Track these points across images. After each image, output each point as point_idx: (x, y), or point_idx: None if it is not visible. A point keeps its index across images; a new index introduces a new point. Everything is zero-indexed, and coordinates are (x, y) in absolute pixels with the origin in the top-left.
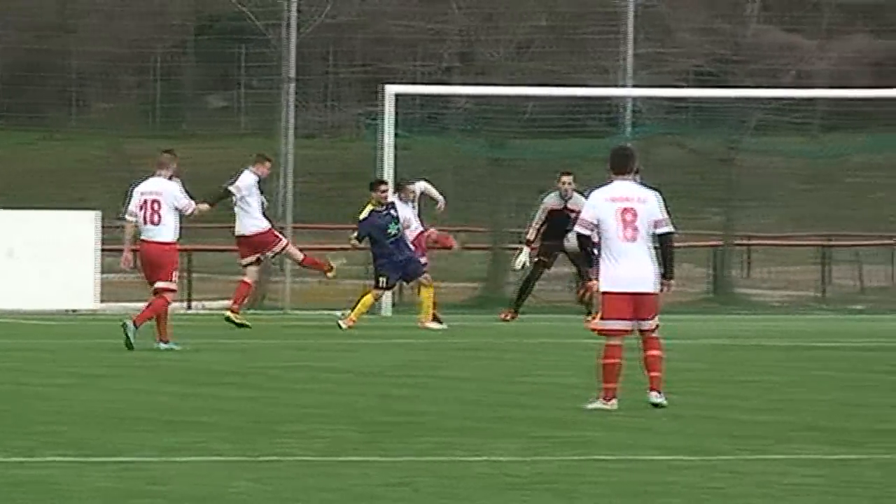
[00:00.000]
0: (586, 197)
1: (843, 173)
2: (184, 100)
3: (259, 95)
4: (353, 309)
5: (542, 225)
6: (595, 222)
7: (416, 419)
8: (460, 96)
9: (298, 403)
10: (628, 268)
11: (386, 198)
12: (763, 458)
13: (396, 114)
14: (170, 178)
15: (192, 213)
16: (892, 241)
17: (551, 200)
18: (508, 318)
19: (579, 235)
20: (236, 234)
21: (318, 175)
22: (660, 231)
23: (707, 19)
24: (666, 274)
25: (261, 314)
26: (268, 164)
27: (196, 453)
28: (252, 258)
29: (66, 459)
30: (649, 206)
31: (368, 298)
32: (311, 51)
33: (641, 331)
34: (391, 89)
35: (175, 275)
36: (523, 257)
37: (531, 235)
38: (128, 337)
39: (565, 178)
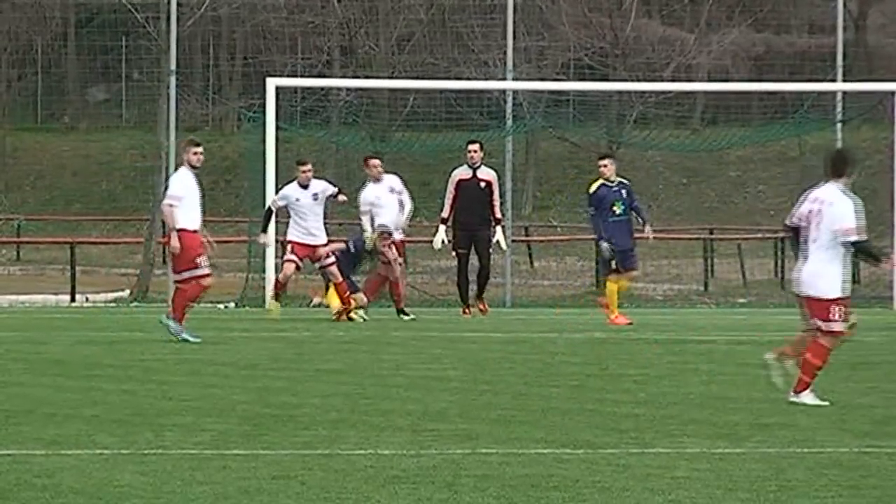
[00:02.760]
0: (494, 169)
1: (724, 167)
2: (66, 92)
3: (141, 88)
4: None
5: (454, 199)
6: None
7: (298, 412)
8: (342, 89)
9: (179, 397)
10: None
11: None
12: (648, 451)
13: (278, 107)
14: (188, 166)
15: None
16: (773, 235)
17: (460, 171)
18: (473, 312)
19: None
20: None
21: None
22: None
23: (587, 13)
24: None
25: (143, 307)
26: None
27: (80, 447)
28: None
29: None
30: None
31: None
32: (193, 44)
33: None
34: (273, 82)
35: (201, 260)
36: (441, 235)
37: (445, 213)
38: (172, 333)
39: (472, 147)
